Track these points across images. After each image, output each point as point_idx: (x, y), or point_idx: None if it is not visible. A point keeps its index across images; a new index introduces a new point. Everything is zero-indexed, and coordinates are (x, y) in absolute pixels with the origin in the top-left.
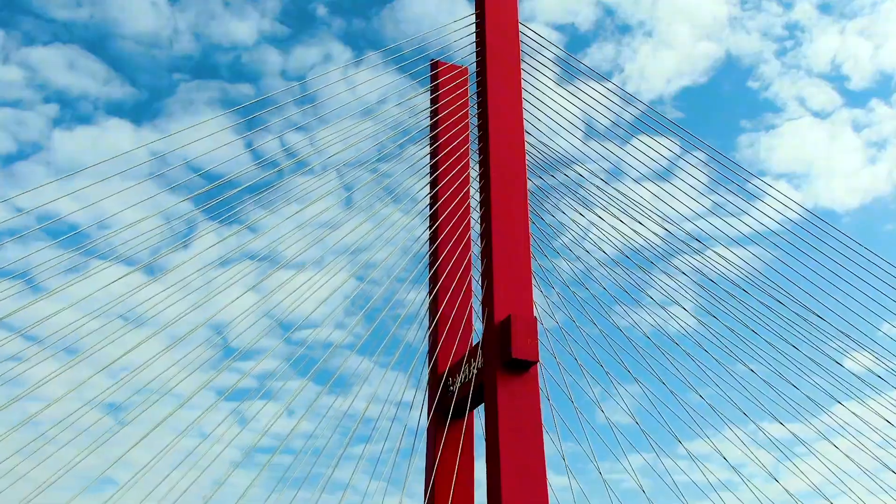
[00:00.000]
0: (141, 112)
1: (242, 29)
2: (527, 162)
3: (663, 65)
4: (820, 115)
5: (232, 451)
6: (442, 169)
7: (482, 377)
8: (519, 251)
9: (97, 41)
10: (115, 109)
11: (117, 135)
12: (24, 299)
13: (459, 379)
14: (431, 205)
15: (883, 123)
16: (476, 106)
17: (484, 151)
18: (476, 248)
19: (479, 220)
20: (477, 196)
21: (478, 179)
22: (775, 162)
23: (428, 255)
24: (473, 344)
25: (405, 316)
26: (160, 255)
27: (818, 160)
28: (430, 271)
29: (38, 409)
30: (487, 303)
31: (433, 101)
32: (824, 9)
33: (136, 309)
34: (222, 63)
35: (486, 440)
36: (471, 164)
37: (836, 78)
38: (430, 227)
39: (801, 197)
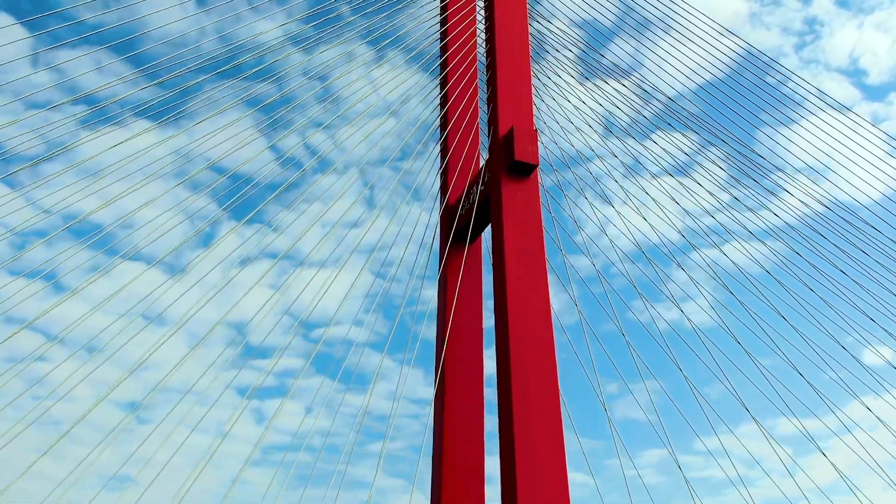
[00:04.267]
0: (166, 112)
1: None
2: None
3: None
4: (839, 109)
5: (247, 448)
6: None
7: (488, 189)
8: (520, 70)
9: (125, 42)
10: (142, 110)
11: (143, 136)
12: (47, 299)
13: (468, 201)
14: (442, 38)
15: None
16: None
17: None
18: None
19: (484, 54)
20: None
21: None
22: (796, 155)
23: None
24: (481, 166)
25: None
26: (192, 259)
27: (838, 154)
28: (440, 111)
29: (59, 407)
30: (493, 121)
31: None
32: (842, 3)
33: (158, 307)
34: (247, 63)
35: (492, 247)
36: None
37: (854, 72)
38: (441, 73)
39: (820, 190)
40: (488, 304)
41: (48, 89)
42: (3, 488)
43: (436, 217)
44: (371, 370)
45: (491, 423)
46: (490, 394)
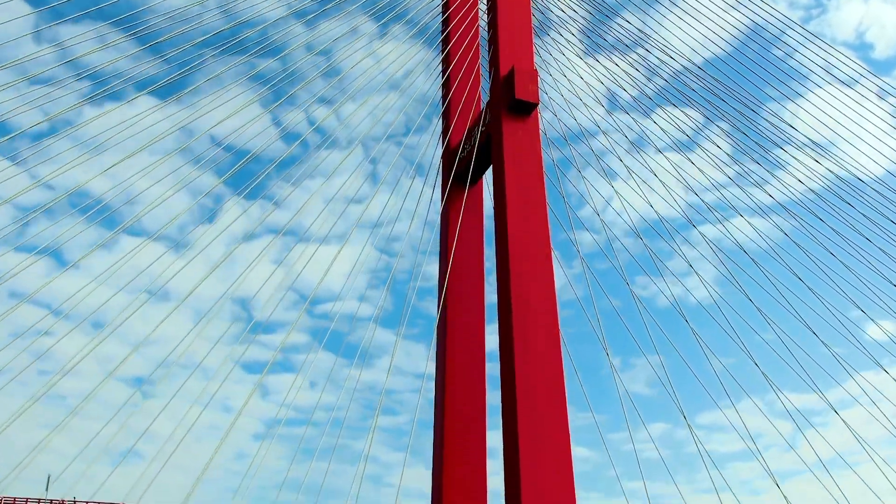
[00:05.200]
0: (169, 88)
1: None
2: None
3: None
4: (845, 82)
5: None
6: None
7: (489, 130)
8: (520, 12)
9: (127, 17)
10: (144, 86)
11: (146, 111)
12: (52, 274)
13: (469, 143)
14: None
15: None
16: None
17: None
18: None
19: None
20: None
21: None
22: (801, 130)
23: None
24: (482, 108)
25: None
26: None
27: (843, 128)
28: (441, 53)
29: (65, 383)
30: (494, 62)
31: None
32: None
33: (162, 283)
34: (250, 38)
35: (493, 182)
36: None
37: (860, 46)
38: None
39: (826, 165)
40: (489, 254)
41: (51, 66)
42: (15, 466)
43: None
44: (374, 345)
45: (492, 368)
46: (491, 372)
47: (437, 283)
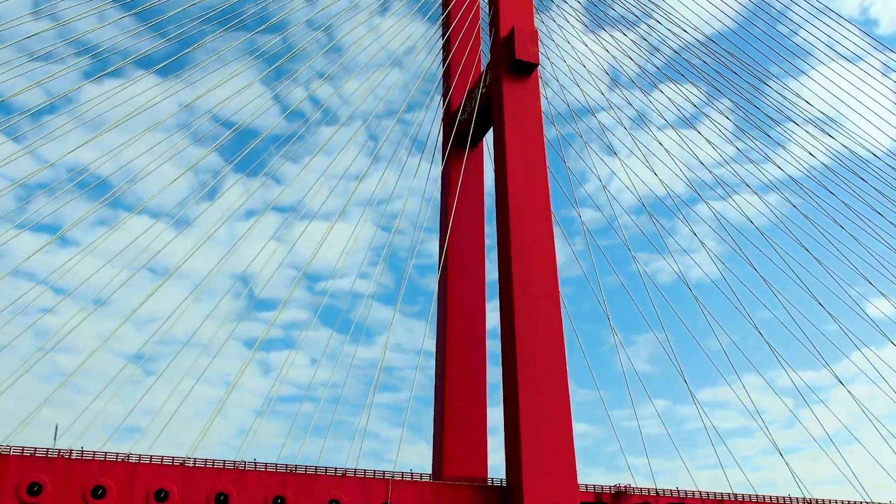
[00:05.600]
0: (170, 65)
1: None
2: None
3: None
4: (849, 59)
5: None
6: None
7: (490, 91)
8: None
9: None
10: (145, 62)
11: (146, 88)
12: (54, 252)
13: (470, 105)
14: None
15: None
16: None
17: None
18: None
19: None
20: None
21: None
22: (804, 106)
23: None
24: (482, 70)
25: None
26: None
27: (848, 104)
28: (442, 15)
29: (67, 360)
30: (494, 23)
31: None
32: None
33: (163, 260)
34: (250, 13)
35: (493, 142)
36: None
37: (865, 22)
38: None
39: (830, 141)
40: (489, 232)
41: (50, 43)
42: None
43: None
44: (375, 322)
45: (493, 346)
46: (492, 349)
47: (437, 258)
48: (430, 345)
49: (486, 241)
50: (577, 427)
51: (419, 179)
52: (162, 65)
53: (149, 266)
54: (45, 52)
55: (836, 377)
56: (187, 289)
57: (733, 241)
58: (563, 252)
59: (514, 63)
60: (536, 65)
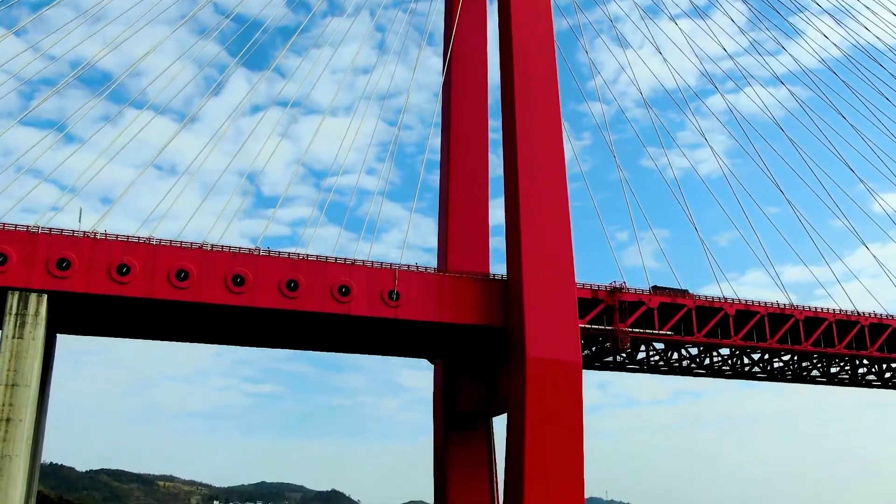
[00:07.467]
0: None
1: None
2: None
3: None
4: None
5: None
6: None
7: None
8: None
9: None
10: None
11: None
12: (59, 149)
13: None
14: None
15: None
16: None
17: None
18: None
19: None
20: None
21: None
22: None
23: None
24: None
25: None
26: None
27: None
28: None
29: None
30: None
31: None
32: None
33: (170, 157)
34: None
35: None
36: None
37: None
38: None
39: (842, 33)
40: (494, 126)
41: None
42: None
43: None
44: (382, 218)
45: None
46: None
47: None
48: (434, 241)
49: (491, 131)
50: None
51: (422, 68)
52: None
53: (150, 160)
54: None
55: (856, 235)
56: (191, 186)
57: (744, 132)
58: (570, 148)
59: None
60: None
